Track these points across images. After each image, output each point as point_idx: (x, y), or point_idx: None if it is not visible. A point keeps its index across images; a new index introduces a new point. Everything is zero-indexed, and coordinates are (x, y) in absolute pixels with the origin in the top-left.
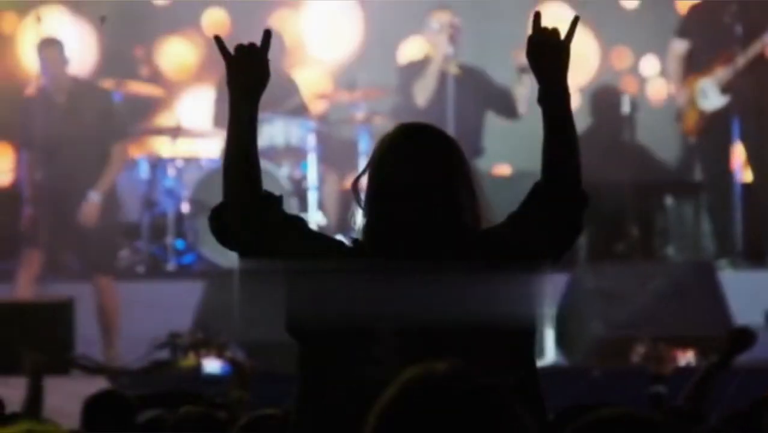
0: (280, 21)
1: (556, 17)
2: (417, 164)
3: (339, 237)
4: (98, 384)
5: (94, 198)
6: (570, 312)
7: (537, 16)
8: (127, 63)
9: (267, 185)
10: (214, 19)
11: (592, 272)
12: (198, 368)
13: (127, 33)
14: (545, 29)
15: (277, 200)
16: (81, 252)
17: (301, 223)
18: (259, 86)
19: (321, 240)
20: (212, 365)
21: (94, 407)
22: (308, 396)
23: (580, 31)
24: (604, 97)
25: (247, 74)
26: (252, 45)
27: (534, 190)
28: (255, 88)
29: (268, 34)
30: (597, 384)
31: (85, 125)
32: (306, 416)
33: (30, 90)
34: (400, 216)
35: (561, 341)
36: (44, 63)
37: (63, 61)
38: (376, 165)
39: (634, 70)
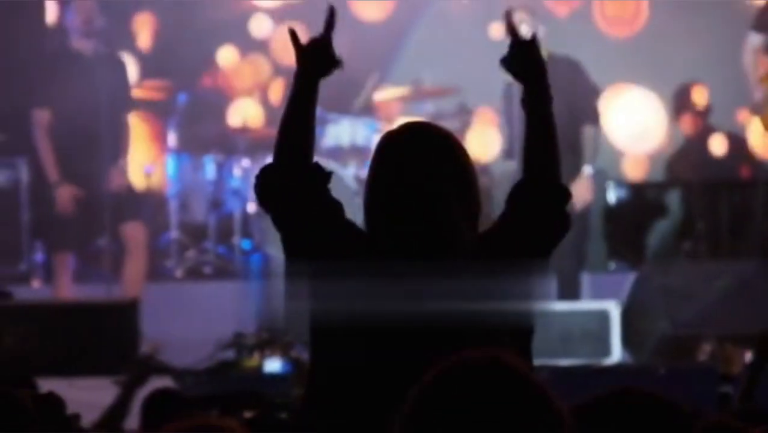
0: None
1: None
2: (420, 164)
3: None
4: (163, 385)
5: (124, 166)
6: (636, 310)
7: (508, 15)
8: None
9: (332, 185)
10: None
11: (659, 269)
12: (260, 368)
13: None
14: (519, 34)
15: (325, 175)
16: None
17: (339, 209)
18: (327, 74)
19: (349, 232)
20: (273, 365)
21: (151, 405)
22: (320, 394)
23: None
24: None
25: (318, 67)
26: (323, 38)
27: (516, 188)
28: (323, 76)
29: (332, 13)
30: (663, 383)
31: (103, 91)
32: (319, 414)
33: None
34: (402, 217)
35: (627, 340)
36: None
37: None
38: (379, 163)
39: None
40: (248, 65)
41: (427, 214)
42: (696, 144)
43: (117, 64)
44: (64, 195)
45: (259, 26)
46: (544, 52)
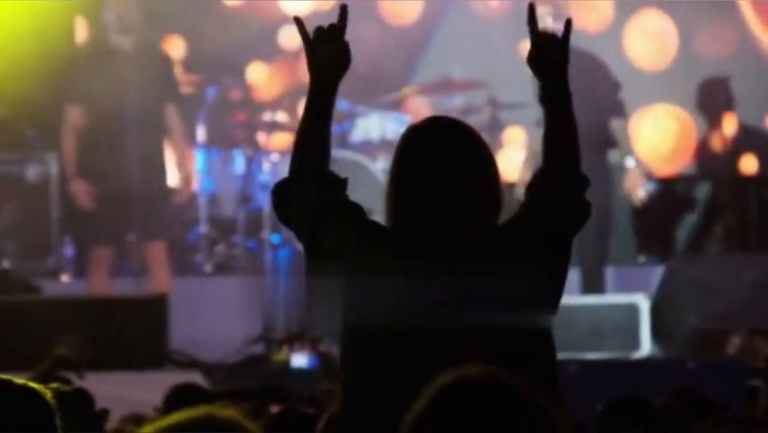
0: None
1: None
2: (443, 158)
3: None
4: (192, 379)
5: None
6: (666, 304)
7: (531, 9)
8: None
9: (362, 179)
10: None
11: (689, 263)
12: (287, 362)
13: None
14: (544, 31)
15: (341, 183)
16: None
17: (360, 212)
18: (341, 69)
19: (373, 232)
20: (300, 359)
21: (173, 400)
22: (357, 395)
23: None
24: (707, 89)
25: (328, 58)
26: (332, 27)
27: (536, 177)
28: (335, 72)
29: (344, 10)
30: (692, 376)
31: (143, 85)
32: (354, 416)
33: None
34: (424, 211)
35: (657, 333)
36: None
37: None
38: (402, 157)
39: None
40: (277, 77)
41: (450, 208)
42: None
43: (158, 58)
44: (77, 190)
45: (289, 37)
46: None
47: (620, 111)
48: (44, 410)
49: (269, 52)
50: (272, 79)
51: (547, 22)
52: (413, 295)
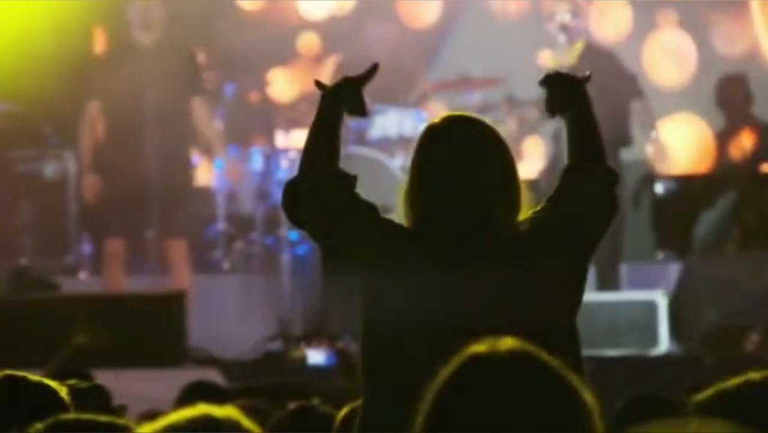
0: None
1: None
2: (462, 155)
3: None
4: (210, 376)
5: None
6: (684, 300)
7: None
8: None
9: (379, 176)
10: None
11: (707, 260)
12: (305, 359)
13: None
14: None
15: (350, 180)
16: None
17: (372, 210)
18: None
19: (389, 232)
20: (317, 356)
21: (187, 397)
22: (379, 394)
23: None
24: (728, 84)
25: (345, 103)
26: (355, 80)
27: (565, 171)
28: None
29: (375, 68)
30: (709, 373)
31: (165, 80)
32: (376, 414)
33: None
34: (445, 207)
35: (675, 330)
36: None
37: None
38: (421, 153)
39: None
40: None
41: (470, 204)
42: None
43: (182, 53)
44: (86, 184)
45: (308, 44)
46: (581, 43)
47: (639, 94)
48: (59, 406)
49: (288, 55)
50: (291, 83)
51: (566, 19)
52: (434, 293)
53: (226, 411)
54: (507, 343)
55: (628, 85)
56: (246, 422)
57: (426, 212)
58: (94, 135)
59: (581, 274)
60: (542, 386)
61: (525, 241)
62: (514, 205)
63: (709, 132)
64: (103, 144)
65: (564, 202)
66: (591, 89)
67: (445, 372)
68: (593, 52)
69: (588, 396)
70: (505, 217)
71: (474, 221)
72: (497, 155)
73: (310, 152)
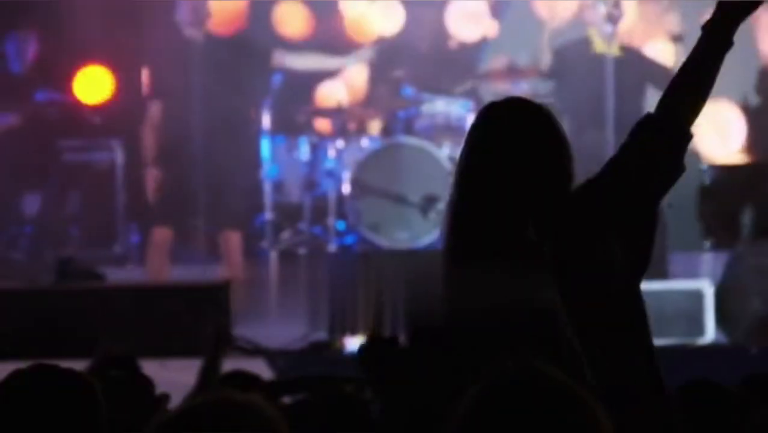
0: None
1: None
2: (518, 137)
3: None
4: (256, 366)
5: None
6: (731, 290)
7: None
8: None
9: (427, 165)
10: None
11: (754, 249)
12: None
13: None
14: None
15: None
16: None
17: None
18: None
19: None
20: (354, 345)
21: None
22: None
23: None
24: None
25: None
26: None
27: (642, 121)
28: None
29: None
30: (755, 363)
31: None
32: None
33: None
34: (498, 191)
35: (721, 319)
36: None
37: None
38: (476, 135)
39: None
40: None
41: (523, 187)
42: None
43: (249, 47)
44: (150, 177)
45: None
46: (616, 45)
47: None
48: (89, 396)
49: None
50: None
51: (599, 8)
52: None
53: (247, 395)
54: (523, 368)
55: (665, 72)
56: (267, 406)
57: (474, 191)
58: (156, 131)
59: (644, 247)
60: (559, 411)
61: (574, 209)
62: (564, 184)
63: (756, 119)
64: (163, 138)
65: (630, 153)
66: (628, 91)
67: (467, 399)
68: (628, 53)
69: (604, 417)
70: (554, 198)
71: (522, 201)
72: (551, 135)
73: None
